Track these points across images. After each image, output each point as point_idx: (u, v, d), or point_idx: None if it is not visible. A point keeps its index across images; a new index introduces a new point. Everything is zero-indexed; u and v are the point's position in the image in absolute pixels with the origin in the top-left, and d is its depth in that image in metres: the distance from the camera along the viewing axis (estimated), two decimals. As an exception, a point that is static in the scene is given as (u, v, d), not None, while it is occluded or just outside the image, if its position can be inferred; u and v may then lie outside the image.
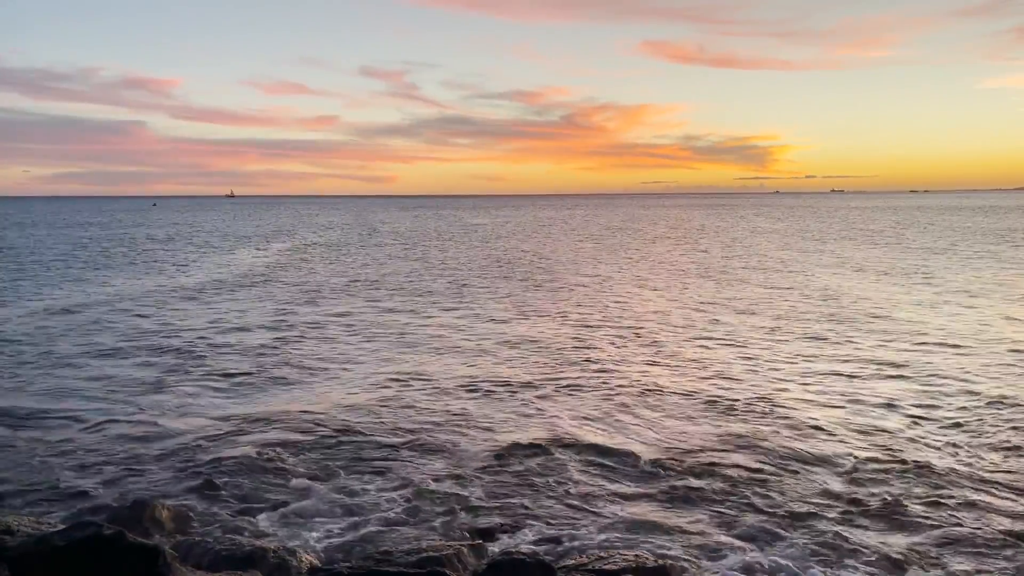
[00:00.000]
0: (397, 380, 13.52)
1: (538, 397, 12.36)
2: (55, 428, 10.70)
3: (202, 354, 15.69)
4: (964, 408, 11.46)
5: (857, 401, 11.98)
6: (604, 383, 13.22)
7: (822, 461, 9.32)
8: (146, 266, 35.62)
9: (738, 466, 9.15)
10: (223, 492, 8.29)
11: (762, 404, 11.81)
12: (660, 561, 6.46)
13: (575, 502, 8.11)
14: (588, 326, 18.96)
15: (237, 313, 21.28)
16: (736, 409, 11.57)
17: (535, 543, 7.09)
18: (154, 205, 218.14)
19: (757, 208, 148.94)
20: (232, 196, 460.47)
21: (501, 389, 12.89)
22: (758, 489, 8.46)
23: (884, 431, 10.45)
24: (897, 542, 7.16)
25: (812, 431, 10.50)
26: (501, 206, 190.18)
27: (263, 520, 7.59)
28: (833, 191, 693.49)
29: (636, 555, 6.55)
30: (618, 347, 16.34)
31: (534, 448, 9.80)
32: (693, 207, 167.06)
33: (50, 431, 10.56)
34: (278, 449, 9.73)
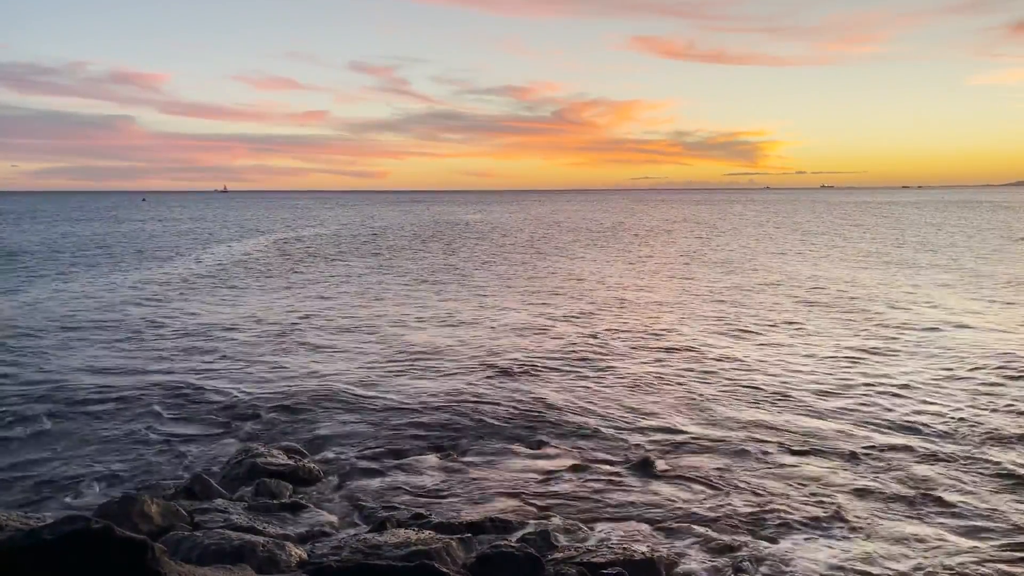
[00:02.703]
0: (396, 371, 13.56)
1: (531, 385, 12.40)
2: (46, 421, 10.66)
3: (215, 346, 15.66)
4: (972, 400, 11.47)
5: (858, 388, 12.08)
6: (602, 374, 13.26)
7: (819, 452, 9.36)
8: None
9: (734, 460, 9.20)
10: (213, 487, 8.27)
11: (762, 394, 11.90)
12: (649, 554, 6.49)
13: (564, 495, 8.14)
14: (587, 314, 19.00)
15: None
16: (734, 400, 11.63)
17: (524, 536, 7.10)
18: (143, 200, 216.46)
19: (752, 204, 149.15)
20: (225, 191, 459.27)
21: (498, 375, 13.06)
22: (754, 482, 8.50)
23: (888, 421, 10.49)
24: (903, 538, 7.17)
25: (812, 421, 10.56)
26: (493, 202, 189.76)
27: (253, 514, 7.58)
28: (823, 187, 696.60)
29: (624, 548, 6.58)
30: (618, 336, 16.39)
31: (524, 440, 9.84)
32: (694, 203, 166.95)
33: (41, 424, 10.52)
34: (269, 445, 9.72)
